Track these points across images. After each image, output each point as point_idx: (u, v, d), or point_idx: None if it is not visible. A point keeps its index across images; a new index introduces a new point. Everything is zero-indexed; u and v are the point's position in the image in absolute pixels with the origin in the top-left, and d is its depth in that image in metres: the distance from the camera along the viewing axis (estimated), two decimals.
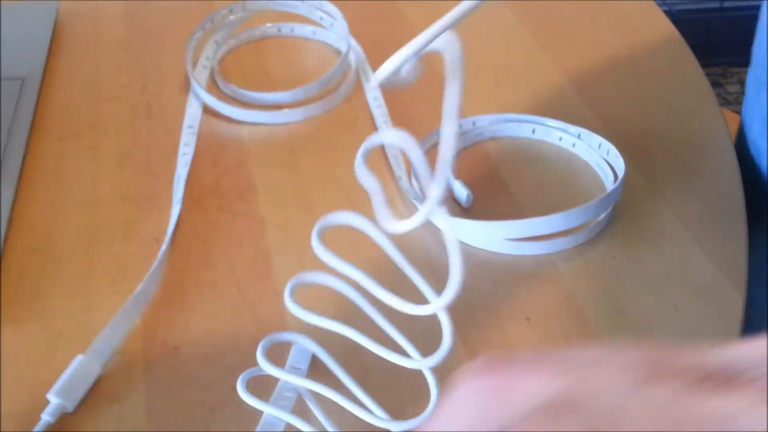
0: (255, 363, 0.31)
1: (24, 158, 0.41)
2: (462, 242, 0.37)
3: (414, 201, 0.38)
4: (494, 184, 0.40)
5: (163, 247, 0.35)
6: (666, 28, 0.53)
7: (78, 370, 0.28)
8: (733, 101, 1.43)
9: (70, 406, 0.28)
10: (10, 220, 0.36)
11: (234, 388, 0.30)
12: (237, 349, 0.31)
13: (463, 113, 0.45)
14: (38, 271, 0.34)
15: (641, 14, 0.54)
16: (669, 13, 0.52)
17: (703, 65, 0.48)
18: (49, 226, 0.37)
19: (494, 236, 0.36)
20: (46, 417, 0.27)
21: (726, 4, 1.59)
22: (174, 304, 0.33)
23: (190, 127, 0.43)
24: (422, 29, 0.52)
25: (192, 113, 0.44)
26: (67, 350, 0.30)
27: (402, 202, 0.39)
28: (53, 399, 0.27)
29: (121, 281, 0.34)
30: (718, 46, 1.47)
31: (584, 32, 0.52)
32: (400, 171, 0.40)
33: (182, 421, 0.29)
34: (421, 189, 0.39)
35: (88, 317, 0.32)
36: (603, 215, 0.37)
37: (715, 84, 1.50)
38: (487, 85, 0.47)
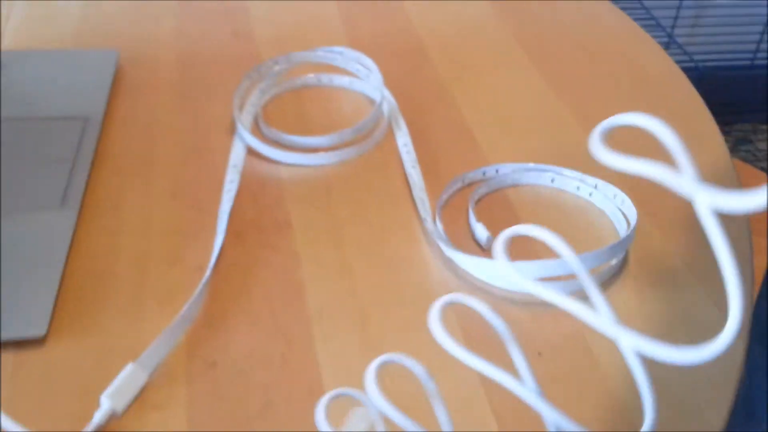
0: (287, 382, 0.34)
1: (85, 191, 0.45)
2: (480, 280, 0.39)
3: (437, 241, 0.41)
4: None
5: (207, 273, 0.38)
6: (686, 87, 0.56)
7: (128, 376, 0.31)
8: (762, 158, 1.44)
9: (119, 409, 0.31)
10: (70, 245, 0.40)
11: (267, 403, 0.33)
12: (269, 369, 0.34)
13: (487, 161, 0.48)
14: (95, 291, 0.38)
15: (661, 73, 0.57)
16: (697, 70, 0.55)
17: (733, 122, 0.51)
18: (105, 253, 0.40)
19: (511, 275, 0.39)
20: (97, 416, 0.30)
21: (757, 62, 1.61)
22: (214, 325, 0.36)
23: (234, 166, 0.47)
24: (450, 82, 0.56)
25: (237, 154, 0.47)
26: (117, 362, 0.34)
27: (426, 242, 0.42)
28: (105, 401, 0.30)
29: (167, 304, 0.37)
30: (748, 102, 1.49)
31: (603, 87, 0.56)
32: (425, 212, 0.43)
33: (220, 429, 0.32)
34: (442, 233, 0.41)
35: (137, 334, 0.36)
36: (615, 260, 0.40)
37: (744, 141, 1.52)
38: (510, 135, 0.50)
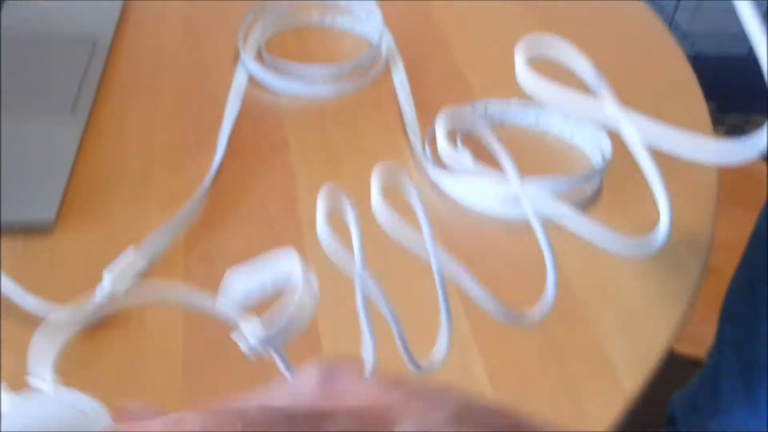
0: None
1: (92, 107, 0.47)
2: (459, 201, 0.42)
3: (425, 164, 0.43)
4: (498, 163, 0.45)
5: (207, 181, 0.41)
6: (680, 60, 0.58)
7: (128, 259, 0.34)
8: None
9: (119, 290, 0.33)
10: (78, 151, 0.42)
11: (260, 302, 0.35)
12: None
13: (477, 97, 0.50)
14: (100, 192, 0.40)
15: (659, 49, 0.60)
16: (696, 57, 0.57)
17: (726, 111, 0.53)
18: (111, 159, 0.43)
19: (488, 194, 0.41)
20: (99, 291, 0.32)
21: (753, 53, 1.63)
22: (213, 226, 0.39)
23: (236, 92, 0.49)
24: (450, 32, 0.58)
25: (239, 81, 0.50)
26: (120, 252, 0.36)
27: (415, 167, 0.44)
28: (107, 275, 0.33)
29: (169, 206, 0.40)
30: (741, 92, 1.52)
31: (599, 49, 0.58)
32: (415, 140, 0.45)
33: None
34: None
35: (139, 231, 0.38)
36: (590, 191, 0.42)
37: (736, 129, 1.54)
38: (503, 83, 0.52)
